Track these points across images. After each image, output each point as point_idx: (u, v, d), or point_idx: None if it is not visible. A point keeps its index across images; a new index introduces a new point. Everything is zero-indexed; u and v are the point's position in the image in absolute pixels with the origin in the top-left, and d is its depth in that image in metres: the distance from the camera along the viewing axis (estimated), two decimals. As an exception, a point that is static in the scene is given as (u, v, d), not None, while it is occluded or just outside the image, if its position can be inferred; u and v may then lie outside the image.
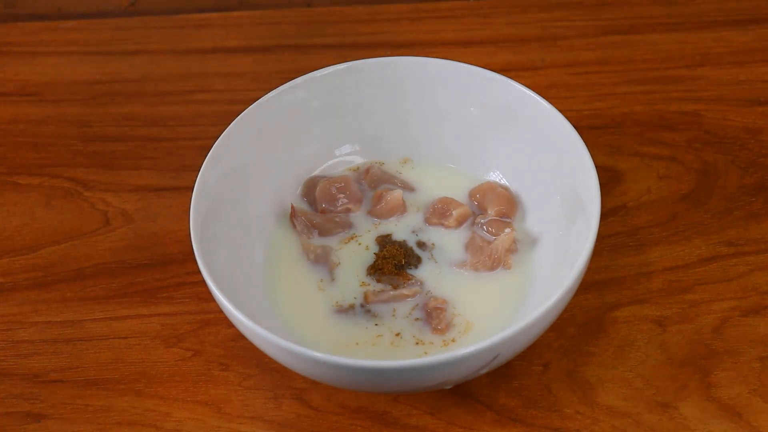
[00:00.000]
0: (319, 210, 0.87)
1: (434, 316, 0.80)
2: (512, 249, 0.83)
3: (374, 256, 0.84)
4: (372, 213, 0.87)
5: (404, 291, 0.81)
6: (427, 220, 0.86)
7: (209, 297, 0.78)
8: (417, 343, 0.79)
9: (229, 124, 0.84)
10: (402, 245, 0.84)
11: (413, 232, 0.86)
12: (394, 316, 0.80)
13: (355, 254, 0.84)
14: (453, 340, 0.79)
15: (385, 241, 0.85)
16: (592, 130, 0.96)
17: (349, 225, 0.86)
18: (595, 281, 0.84)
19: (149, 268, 0.88)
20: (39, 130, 1.00)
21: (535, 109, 0.84)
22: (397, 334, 0.79)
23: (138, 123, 1.00)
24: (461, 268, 0.83)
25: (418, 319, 0.80)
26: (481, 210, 0.87)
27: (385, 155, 0.91)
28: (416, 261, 0.84)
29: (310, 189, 0.88)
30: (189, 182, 0.82)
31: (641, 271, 0.85)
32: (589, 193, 0.78)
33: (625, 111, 0.98)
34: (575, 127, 0.82)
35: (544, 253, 0.83)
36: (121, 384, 0.81)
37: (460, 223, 0.86)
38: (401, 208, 0.87)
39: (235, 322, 0.74)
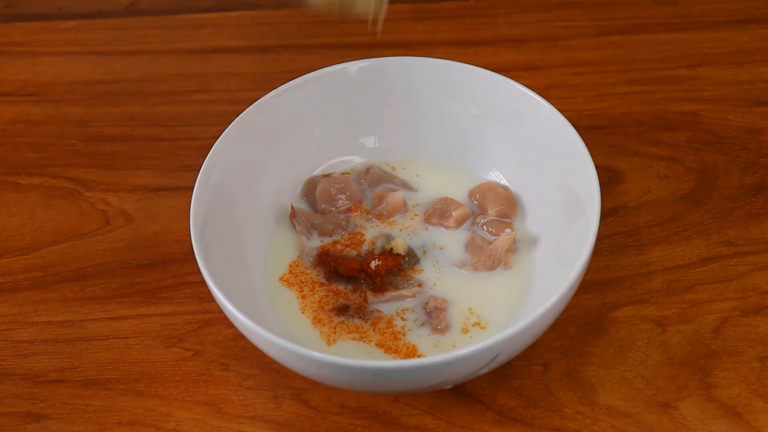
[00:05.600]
0: (319, 210, 0.87)
1: (434, 316, 0.80)
2: (512, 249, 0.83)
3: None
4: (372, 213, 0.87)
5: (404, 291, 0.81)
6: (427, 220, 0.86)
7: (209, 297, 0.78)
8: (417, 343, 0.79)
9: (229, 124, 0.84)
10: (402, 245, 0.84)
11: (413, 232, 0.86)
12: (393, 315, 0.80)
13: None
14: (453, 340, 0.79)
15: (385, 241, 0.85)
16: (592, 130, 0.96)
17: (348, 225, 0.86)
18: (595, 281, 0.84)
19: (149, 268, 0.88)
20: (39, 130, 1.00)
21: (535, 109, 0.85)
22: (397, 334, 0.79)
23: (138, 123, 1.00)
24: (461, 268, 0.83)
25: (417, 319, 0.80)
26: (481, 210, 0.87)
27: (386, 155, 0.91)
28: (416, 261, 0.84)
29: (310, 189, 0.88)
30: (189, 182, 0.82)
31: (641, 271, 0.85)
32: (589, 193, 0.78)
33: (625, 111, 0.98)
34: (575, 127, 0.82)
35: (544, 253, 0.83)
36: (121, 384, 0.81)
37: (460, 223, 0.86)
38: (402, 209, 0.87)
39: (235, 322, 0.74)
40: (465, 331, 0.79)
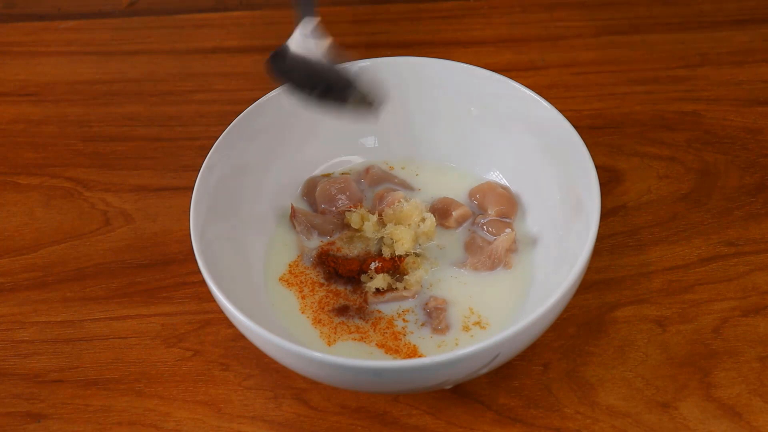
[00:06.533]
0: (319, 210, 0.87)
1: (434, 316, 0.80)
2: (512, 249, 0.83)
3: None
4: (372, 213, 0.87)
5: (404, 291, 0.81)
6: (427, 220, 0.86)
7: (209, 297, 0.78)
8: (417, 343, 0.79)
9: (229, 124, 0.84)
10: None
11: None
12: (394, 316, 0.80)
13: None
14: (454, 340, 0.79)
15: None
16: (592, 130, 0.96)
17: (349, 226, 0.86)
18: (595, 281, 0.84)
19: (149, 268, 0.88)
20: (39, 130, 1.00)
21: (535, 109, 0.85)
22: (397, 334, 0.79)
23: (138, 123, 1.00)
24: (461, 268, 0.83)
25: (418, 320, 0.80)
26: (481, 210, 0.87)
27: (386, 155, 0.91)
28: (416, 261, 0.83)
29: (310, 189, 0.88)
30: (189, 182, 0.82)
31: (641, 271, 0.85)
32: (589, 193, 0.78)
33: (625, 111, 0.98)
34: (575, 127, 0.82)
35: (544, 253, 0.83)
36: (121, 384, 0.81)
37: (460, 223, 0.86)
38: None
39: (235, 322, 0.74)
40: (465, 330, 0.79)
